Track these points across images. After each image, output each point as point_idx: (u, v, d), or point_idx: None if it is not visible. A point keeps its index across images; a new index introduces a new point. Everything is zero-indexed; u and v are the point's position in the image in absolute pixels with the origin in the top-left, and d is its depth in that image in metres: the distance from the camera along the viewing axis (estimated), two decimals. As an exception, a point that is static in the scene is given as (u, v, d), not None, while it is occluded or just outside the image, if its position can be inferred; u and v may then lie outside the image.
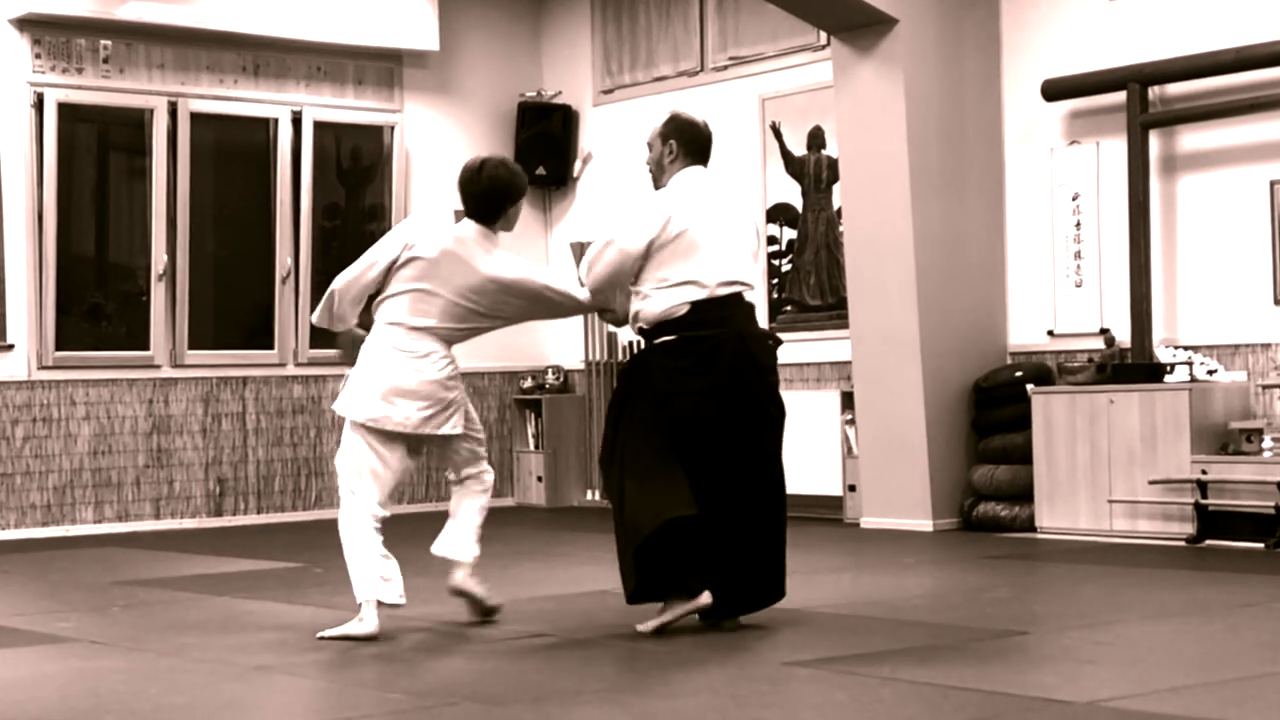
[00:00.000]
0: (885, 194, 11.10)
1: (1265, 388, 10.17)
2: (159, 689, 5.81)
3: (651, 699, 5.50)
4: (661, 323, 6.85)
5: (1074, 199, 11.09)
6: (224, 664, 6.31)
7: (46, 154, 12.18)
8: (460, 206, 7.18)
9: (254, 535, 11.96)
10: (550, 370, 14.16)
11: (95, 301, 12.66)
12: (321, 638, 6.81)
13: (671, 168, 7.01)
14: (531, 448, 14.03)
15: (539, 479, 13.88)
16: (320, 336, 13.22)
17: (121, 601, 8.28)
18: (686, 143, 7.02)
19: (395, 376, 6.90)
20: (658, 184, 7.05)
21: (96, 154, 12.90)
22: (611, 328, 13.03)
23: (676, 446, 6.77)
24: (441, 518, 7.28)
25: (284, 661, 6.33)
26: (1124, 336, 10.65)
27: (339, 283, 7.05)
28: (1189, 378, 10.12)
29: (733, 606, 6.89)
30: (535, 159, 14.04)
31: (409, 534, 7.79)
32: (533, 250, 14.36)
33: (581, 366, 14.05)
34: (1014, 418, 10.86)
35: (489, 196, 7.08)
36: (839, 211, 12.01)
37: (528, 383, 14.13)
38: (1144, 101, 10.59)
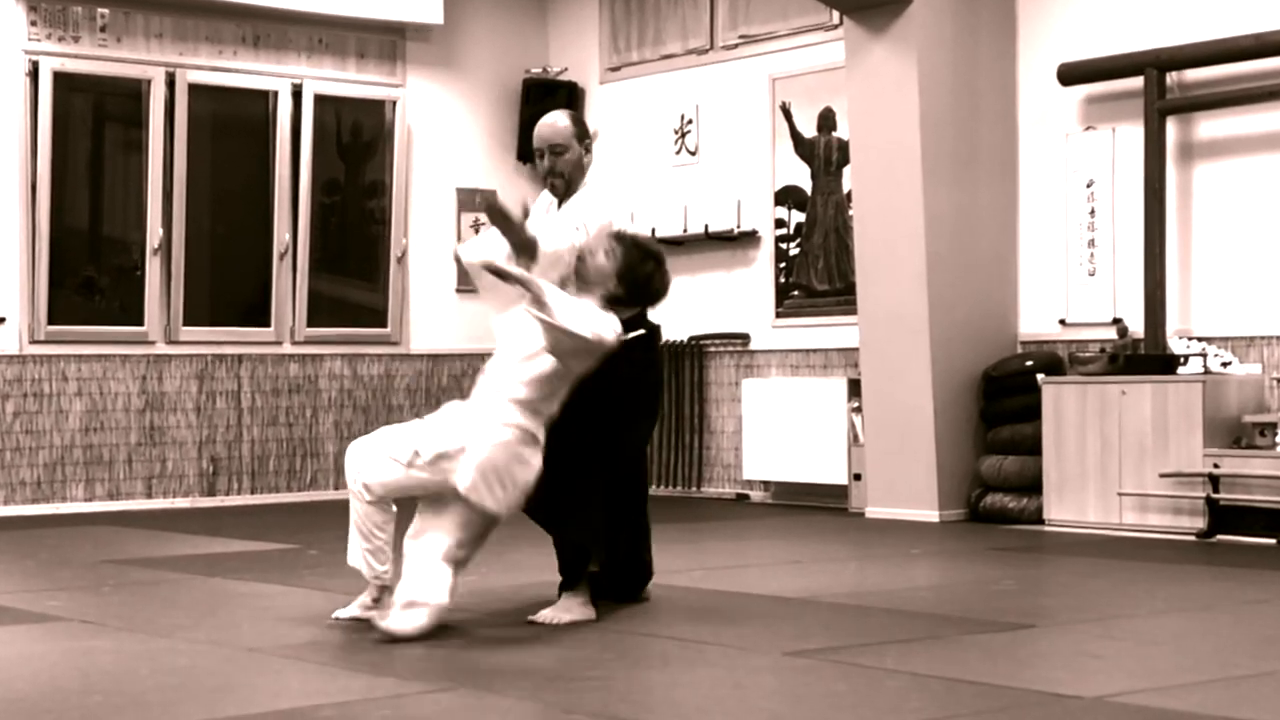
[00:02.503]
0: (896, 178, 11.11)
1: (1280, 381, 10.19)
2: (149, 670, 5.82)
3: (651, 688, 5.51)
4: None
5: (1089, 186, 11.09)
6: (215, 645, 6.31)
7: (41, 124, 12.18)
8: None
9: (247, 516, 11.97)
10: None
11: (89, 275, 12.67)
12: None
13: (587, 170, 7.17)
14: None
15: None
16: (318, 314, 13.27)
17: (112, 581, 8.29)
18: (591, 149, 7.28)
19: None
20: (573, 185, 7.12)
21: (92, 125, 12.90)
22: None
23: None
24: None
25: (276, 644, 6.34)
26: (1137, 327, 10.65)
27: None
28: (1203, 369, 10.13)
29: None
30: (539, 137, 14.07)
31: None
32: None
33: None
34: (1023, 408, 10.86)
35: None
36: (849, 195, 12.00)
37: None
38: (1161, 87, 10.59)
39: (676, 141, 13.61)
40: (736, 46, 13.22)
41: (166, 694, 5.39)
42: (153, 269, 12.63)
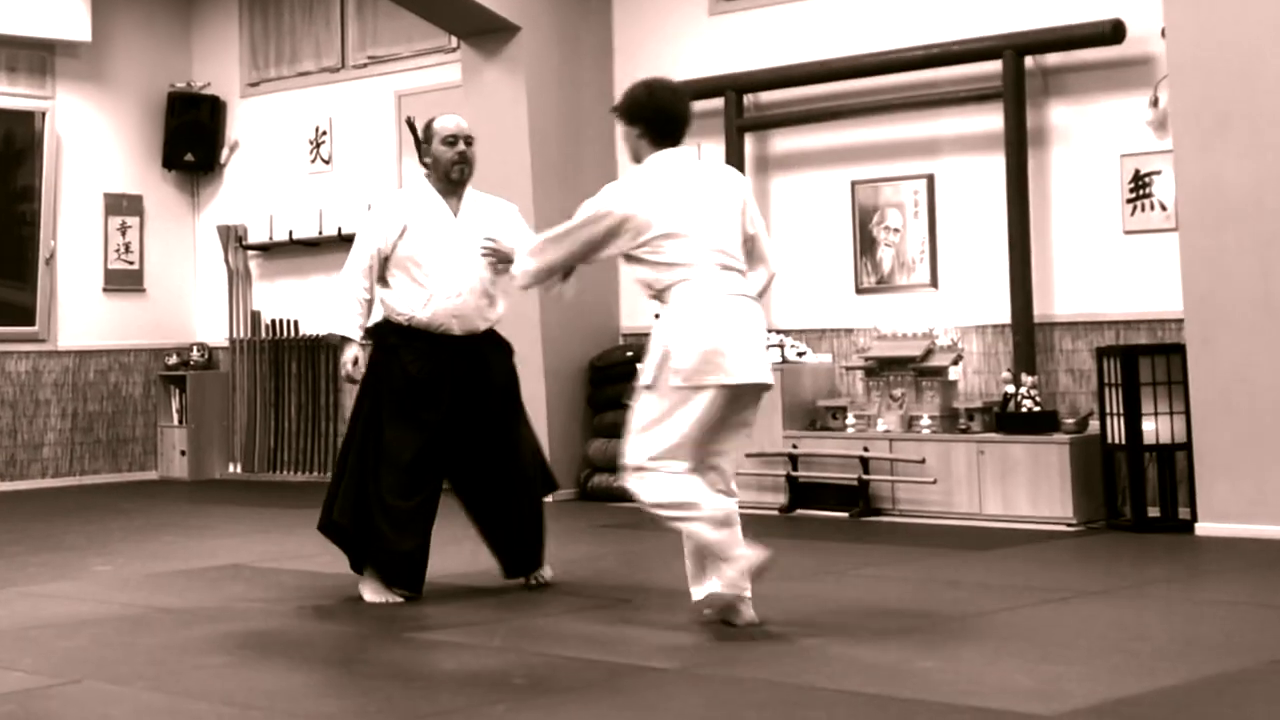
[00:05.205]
0: (510, 187, 11.11)
1: (848, 369, 10.52)
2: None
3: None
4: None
5: (681, 194, 11.30)
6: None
7: None
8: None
9: None
10: (195, 347, 13.99)
11: None
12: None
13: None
14: (175, 422, 13.85)
15: (182, 453, 13.75)
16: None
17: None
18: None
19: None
20: (468, 177, 7.55)
21: None
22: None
23: None
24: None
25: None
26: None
27: None
28: (780, 359, 10.43)
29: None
30: (184, 147, 13.97)
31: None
32: (180, 233, 14.23)
33: (226, 344, 13.94)
34: (626, 394, 11.05)
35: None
36: (468, 202, 12.07)
37: (173, 359, 13.92)
38: (739, 107, 10.88)
39: (312, 151, 13.54)
40: (365, 65, 13.19)
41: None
42: None
